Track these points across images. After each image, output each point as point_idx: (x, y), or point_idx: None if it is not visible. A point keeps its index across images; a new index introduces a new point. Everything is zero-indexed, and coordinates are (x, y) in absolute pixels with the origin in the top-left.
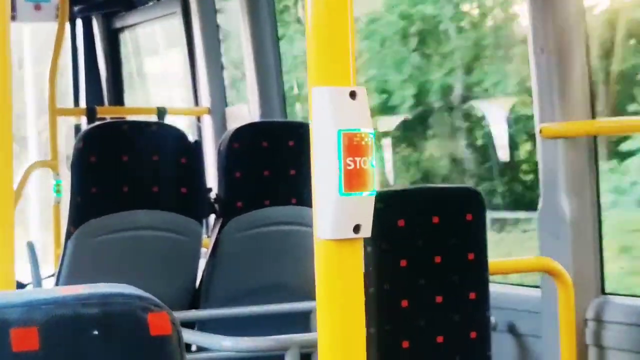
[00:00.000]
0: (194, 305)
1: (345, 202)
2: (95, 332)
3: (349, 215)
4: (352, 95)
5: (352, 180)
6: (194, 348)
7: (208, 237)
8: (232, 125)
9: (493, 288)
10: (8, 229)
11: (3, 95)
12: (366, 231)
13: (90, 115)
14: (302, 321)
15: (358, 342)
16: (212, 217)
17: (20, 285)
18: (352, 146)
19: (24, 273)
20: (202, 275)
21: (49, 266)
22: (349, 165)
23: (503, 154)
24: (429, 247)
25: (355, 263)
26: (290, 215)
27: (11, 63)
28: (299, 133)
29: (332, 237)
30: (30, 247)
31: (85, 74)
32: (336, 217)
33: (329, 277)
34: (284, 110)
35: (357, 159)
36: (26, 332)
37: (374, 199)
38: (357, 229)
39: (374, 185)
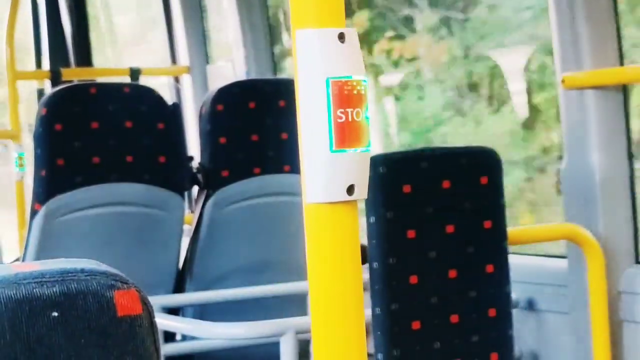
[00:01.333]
0: (178, 288)
1: (336, 160)
2: (55, 314)
3: (342, 175)
4: (341, 37)
5: (344, 134)
6: (178, 337)
7: (191, 212)
8: (215, 85)
9: (512, 259)
10: None
11: None
12: (362, 192)
13: (55, 78)
14: (299, 303)
15: (357, 322)
16: (195, 189)
17: None
18: (343, 96)
19: None
20: (186, 255)
21: (13, 250)
22: (340, 117)
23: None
24: (440, 216)
25: (350, 228)
26: (284, 185)
27: None
28: (291, 91)
29: (324, 199)
30: None
31: (47, 32)
32: (327, 177)
33: (321, 246)
34: (273, 66)
35: (349, 110)
36: None
37: (369, 155)
38: (351, 189)
39: (369, 141)
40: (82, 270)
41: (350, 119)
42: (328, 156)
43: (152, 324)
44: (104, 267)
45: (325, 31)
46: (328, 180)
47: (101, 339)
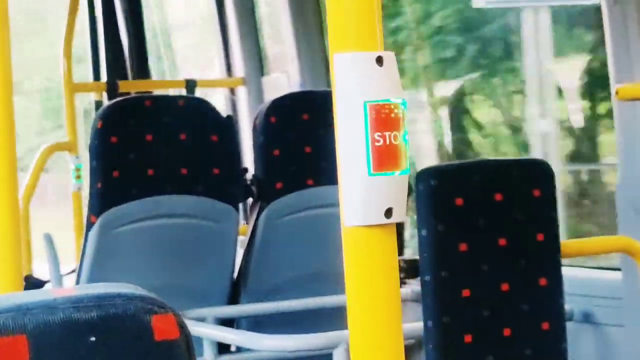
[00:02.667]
0: (233, 300)
1: (374, 183)
2: (92, 339)
3: (380, 198)
4: (379, 61)
5: (382, 158)
6: (233, 348)
7: (245, 223)
8: (270, 96)
9: (566, 272)
10: (13, 222)
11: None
12: (399, 215)
13: (111, 90)
14: None
15: (395, 342)
16: (249, 201)
17: (39, 283)
18: (381, 119)
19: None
20: (240, 266)
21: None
22: (378, 141)
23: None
24: (492, 228)
25: (388, 251)
26: (337, 196)
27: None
28: None
29: (362, 222)
30: (48, 240)
31: (105, 43)
32: (365, 200)
33: (359, 269)
34: (327, 78)
35: (387, 133)
36: (13, 341)
37: (407, 178)
38: (389, 213)
39: (407, 163)
40: (120, 295)
41: (387, 142)
42: (366, 180)
43: (189, 349)
44: (141, 290)
45: (363, 55)
46: (366, 204)
47: None
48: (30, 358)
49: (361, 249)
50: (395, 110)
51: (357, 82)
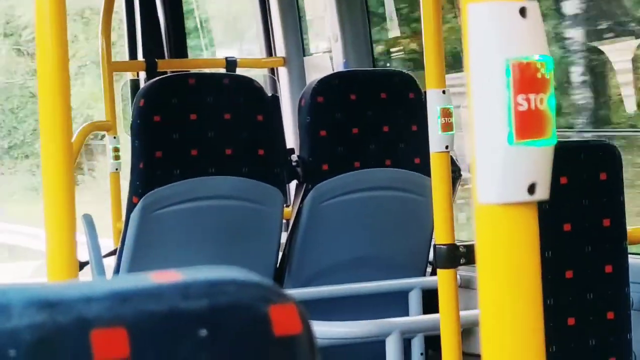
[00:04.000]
0: (277, 284)
1: (516, 154)
2: (203, 332)
3: (522, 171)
4: (522, 12)
5: (526, 124)
6: None
7: (289, 206)
8: (312, 77)
9: (630, 260)
10: (68, 203)
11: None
12: (544, 192)
13: (150, 69)
14: (401, 300)
15: (537, 345)
16: (294, 182)
17: (80, 265)
18: (525, 79)
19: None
20: (284, 250)
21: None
22: (521, 105)
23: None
24: (557, 213)
25: (530, 234)
26: (385, 179)
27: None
28: (393, 83)
29: (500, 200)
30: (88, 220)
31: (141, 22)
32: (505, 174)
33: (495, 255)
34: (372, 58)
35: (532, 96)
36: (112, 333)
37: (552, 150)
38: (532, 188)
39: (554, 131)
40: (234, 281)
41: (533, 107)
42: (506, 150)
43: (313, 346)
44: (255, 276)
45: (503, 5)
46: (506, 178)
47: None
48: (131, 354)
49: (499, 231)
50: (542, 70)
51: (497, 37)
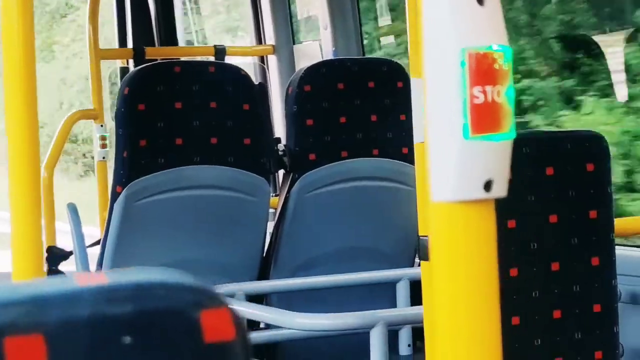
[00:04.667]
0: (263, 275)
1: (472, 149)
2: (127, 340)
3: (478, 167)
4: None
5: (482, 118)
6: (262, 324)
7: (276, 195)
8: (302, 65)
9: (617, 251)
10: (33, 204)
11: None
12: (501, 189)
13: (138, 56)
14: (387, 292)
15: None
16: (281, 172)
17: (63, 255)
18: (481, 71)
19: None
20: (271, 241)
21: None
22: (477, 97)
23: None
24: (542, 204)
25: (486, 232)
26: (372, 169)
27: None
28: (382, 72)
29: (455, 197)
30: (72, 209)
31: (131, 9)
32: (460, 170)
33: (450, 254)
34: (361, 46)
35: (489, 88)
36: (28, 341)
37: (510, 144)
38: (488, 185)
39: (512, 125)
40: (163, 284)
41: (490, 99)
42: (462, 144)
43: (247, 353)
44: (188, 278)
45: None
46: (461, 174)
47: None
48: None
49: (454, 230)
50: (499, 60)
51: (452, 25)
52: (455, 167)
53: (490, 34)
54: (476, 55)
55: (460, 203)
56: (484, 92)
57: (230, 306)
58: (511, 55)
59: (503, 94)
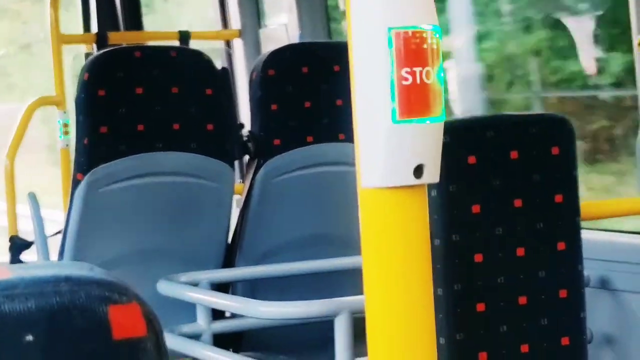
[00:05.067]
0: (228, 262)
1: (401, 133)
2: (29, 338)
3: (407, 152)
4: None
5: (411, 100)
6: (227, 313)
7: (241, 182)
8: (268, 49)
9: (583, 235)
10: None
11: None
12: (432, 174)
13: (101, 42)
14: (354, 279)
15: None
16: (246, 158)
17: (25, 244)
18: (410, 51)
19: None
20: (236, 228)
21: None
22: (406, 79)
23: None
24: (507, 189)
25: (418, 220)
26: (338, 154)
27: None
28: (347, 55)
29: (384, 184)
30: (32, 198)
31: None
32: (389, 155)
33: (381, 242)
34: (327, 29)
35: (417, 69)
36: None
37: (442, 128)
38: (418, 171)
39: (443, 108)
40: (68, 279)
41: (418, 81)
42: (390, 128)
43: (160, 350)
44: (97, 272)
45: None
46: (390, 160)
47: None
48: None
49: (383, 217)
50: (428, 40)
51: (379, 3)
52: (383, 152)
53: (419, 13)
54: (404, 35)
55: (389, 189)
56: (413, 74)
57: (141, 301)
58: (441, 34)
59: (433, 75)
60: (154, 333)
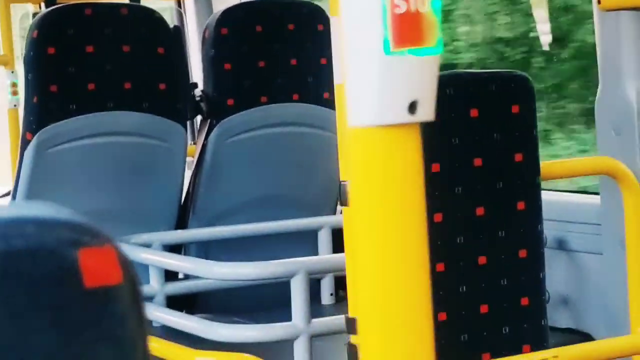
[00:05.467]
0: (181, 224)
1: (394, 66)
2: None
3: (401, 86)
4: None
5: (405, 29)
6: (181, 275)
7: (193, 143)
8: (220, 8)
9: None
10: None
11: None
12: (428, 111)
13: (49, 0)
14: (309, 239)
15: (423, 304)
16: (198, 118)
17: None
18: None
19: None
20: (188, 189)
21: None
22: (399, 6)
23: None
24: (467, 147)
25: (411, 161)
26: (293, 114)
27: None
28: (302, 14)
29: (375, 121)
30: None
31: None
32: (381, 89)
33: (371, 185)
34: None
35: None
36: None
37: (438, 60)
38: (413, 107)
39: (440, 39)
40: (34, 220)
41: (413, 9)
42: (382, 60)
43: (137, 297)
44: (66, 213)
45: None
46: (382, 94)
47: (59, 320)
48: None
49: (375, 158)
50: None
51: None
52: (375, 87)
53: None
54: None
55: (381, 127)
56: (407, 1)
57: (116, 244)
58: None
59: (428, 3)
60: (131, 281)
